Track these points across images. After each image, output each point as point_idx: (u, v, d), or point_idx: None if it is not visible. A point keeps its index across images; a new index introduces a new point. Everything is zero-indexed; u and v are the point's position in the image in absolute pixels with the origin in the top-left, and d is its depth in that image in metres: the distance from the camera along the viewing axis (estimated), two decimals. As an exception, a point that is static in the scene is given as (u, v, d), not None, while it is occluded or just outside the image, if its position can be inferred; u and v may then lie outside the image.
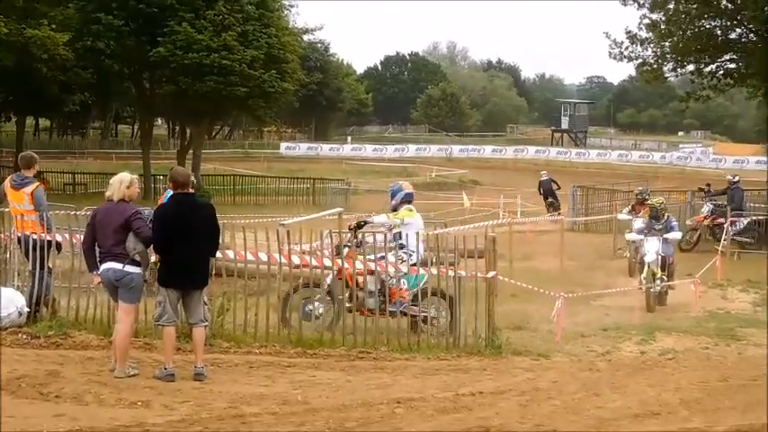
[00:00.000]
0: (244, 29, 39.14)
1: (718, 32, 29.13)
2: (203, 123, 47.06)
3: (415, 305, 11.28)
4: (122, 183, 8.97)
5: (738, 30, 28.92)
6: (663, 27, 28.83)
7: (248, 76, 39.01)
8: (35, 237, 10.81)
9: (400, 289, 11.20)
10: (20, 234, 10.92)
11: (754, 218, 23.34)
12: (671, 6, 28.68)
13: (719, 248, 21.87)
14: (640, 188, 22.45)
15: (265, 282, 11.21)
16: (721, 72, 30.09)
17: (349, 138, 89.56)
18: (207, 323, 9.32)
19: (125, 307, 8.87)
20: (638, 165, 68.85)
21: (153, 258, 9.06)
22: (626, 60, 30.62)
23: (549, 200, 35.07)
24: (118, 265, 8.76)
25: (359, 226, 11.81)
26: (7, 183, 11.24)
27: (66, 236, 11.10)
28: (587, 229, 28.77)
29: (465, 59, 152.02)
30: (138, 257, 8.80)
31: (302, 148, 78.33)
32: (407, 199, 12.23)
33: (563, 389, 8.96)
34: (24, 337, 10.05)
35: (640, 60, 30.45)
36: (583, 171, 61.19)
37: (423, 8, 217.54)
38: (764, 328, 13.03)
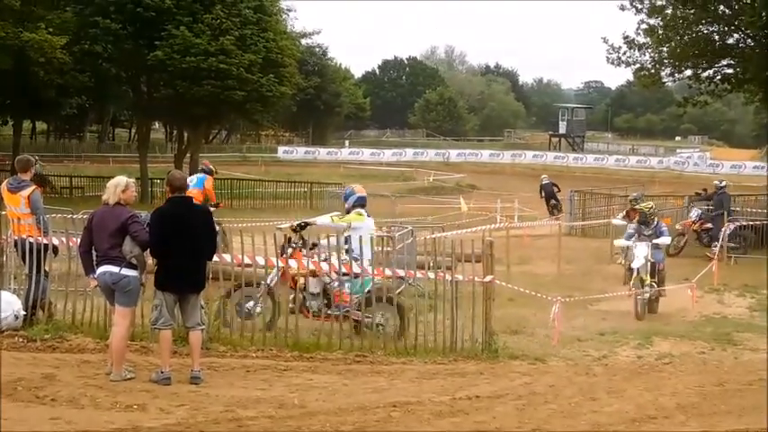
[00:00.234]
0: (242, 33, 39.15)
1: (716, 38, 29.15)
2: (201, 127, 47.04)
3: (363, 310, 11.19)
4: (118, 186, 8.96)
5: (736, 35, 28.95)
6: (660, 32, 28.85)
7: (246, 80, 39.01)
8: (32, 240, 10.80)
9: (342, 293, 11.15)
10: (16, 237, 10.91)
11: (739, 223, 23.32)
12: (668, 12, 28.70)
13: (708, 254, 21.97)
14: (635, 194, 22.00)
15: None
16: (719, 77, 30.10)
17: (347, 142, 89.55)
18: (203, 327, 9.32)
19: (121, 310, 8.86)
20: (636, 169, 68.97)
21: (150, 261, 9.06)
22: (624, 65, 30.64)
23: (552, 202, 35.34)
24: (114, 269, 8.76)
25: (301, 227, 11.79)
26: (4, 186, 11.23)
27: (63, 239, 11.09)
28: (584, 234, 28.80)
29: (463, 64, 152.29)
30: (134, 261, 8.80)
31: (300, 152, 78.33)
32: (360, 203, 12.19)
33: (560, 393, 8.96)
34: (21, 340, 10.04)
35: (638, 65, 30.47)
36: (580, 176, 61.22)
37: (421, 13, 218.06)
38: (761, 332, 13.06)
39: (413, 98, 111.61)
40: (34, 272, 10.80)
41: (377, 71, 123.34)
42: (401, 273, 11.74)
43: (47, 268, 11.02)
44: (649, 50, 29.67)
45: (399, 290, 12.75)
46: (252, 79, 39.22)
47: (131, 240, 8.76)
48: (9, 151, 46.59)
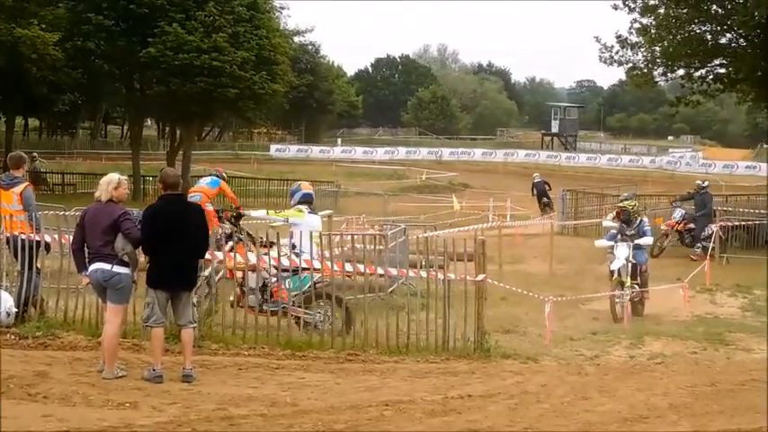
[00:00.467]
0: (234, 30, 39.06)
1: (708, 37, 29.20)
2: (193, 124, 46.94)
3: (304, 306, 11.17)
4: (110, 184, 8.95)
5: (728, 35, 29.00)
6: (653, 32, 28.88)
7: (239, 78, 38.92)
8: (24, 237, 10.78)
9: (280, 289, 11.12)
10: (8, 234, 10.89)
11: (720, 224, 23.35)
12: (661, 11, 28.73)
13: (692, 255, 22.02)
14: (625, 194, 21.77)
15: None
16: (711, 77, 30.16)
17: (339, 140, 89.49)
18: (195, 325, 9.31)
19: (113, 308, 8.85)
20: (628, 169, 69.05)
21: (142, 259, 9.04)
22: (616, 64, 30.66)
23: (544, 200, 35.56)
24: (106, 266, 8.75)
25: (236, 217, 11.78)
26: (-4, 183, 11.21)
27: (55, 236, 11.07)
28: (577, 233, 28.81)
29: (455, 62, 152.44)
30: (126, 258, 8.78)
31: (292, 149, 78.21)
32: (305, 199, 12.20)
33: (552, 392, 8.97)
34: (12, 337, 10.03)
35: (630, 65, 30.50)
36: (572, 175, 61.28)
37: (414, 11, 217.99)
38: (753, 332, 13.11)
39: (405, 96, 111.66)
40: (26, 269, 10.79)
41: (369, 69, 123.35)
42: (393, 271, 11.76)
43: (39, 265, 11.01)
44: (642, 50, 29.71)
45: (392, 288, 12.77)
46: (245, 77, 39.13)
47: (123, 238, 8.75)
48: (1, 148, 46.45)
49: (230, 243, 11.49)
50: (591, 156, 78.31)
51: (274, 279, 11.09)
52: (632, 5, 29.12)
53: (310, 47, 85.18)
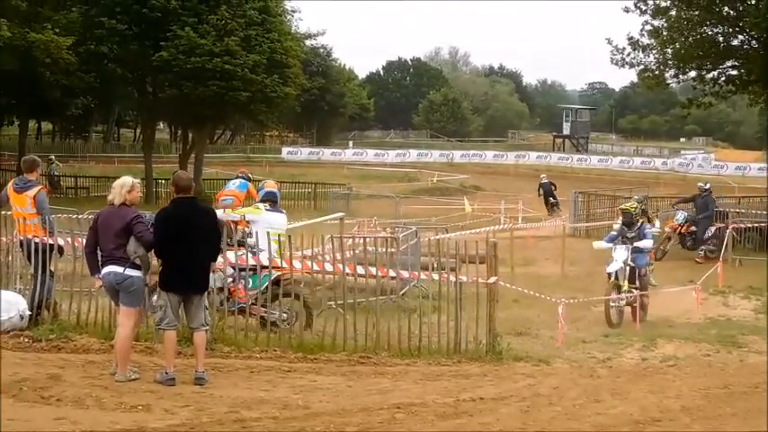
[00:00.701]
0: (246, 34, 39.18)
1: (720, 39, 29.16)
2: (205, 128, 47.08)
3: (265, 306, 11.09)
4: (123, 187, 8.99)
5: (740, 37, 28.96)
6: (665, 33, 28.87)
7: (250, 81, 39.04)
8: (37, 240, 10.83)
9: (237, 288, 11.10)
10: (22, 237, 10.94)
11: (718, 226, 23.25)
12: (673, 13, 28.73)
13: (697, 258, 21.95)
14: (636, 197, 21.50)
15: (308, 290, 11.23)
16: (723, 79, 30.12)
17: (351, 143, 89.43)
18: (208, 327, 9.33)
19: (126, 311, 8.88)
20: (640, 171, 68.84)
21: (155, 262, 9.07)
22: (628, 66, 30.71)
23: (551, 200, 36.22)
24: (119, 269, 8.78)
25: None
26: (10, 186, 11.28)
27: (68, 239, 11.11)
28: (588, 235, 28.65)
29: (467, 65, 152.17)
30: (138, 261, 8.81)
31: (304, 152, 78.26)
32: (268, 197, 12.24)
33: (564, 395, 8.96)
34: (26, 340, 10.07)
35: (642, 67, 30.52)
36: (584, 177, 61.14)
37: (425, 14, 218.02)
38: (766, 334, 13.04)
39: (417, 99, 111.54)
40: (39, 272, 10.83)
41: (381, 72, 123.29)
42: (405, 274, 11.77)
43: (52, 268, 11.05)
44: (654, 52, 29.72)
45: (403, 291, 12.77)
46: (256, 80, 39.25)
47: (136, 241, 8.78)
48: (15, 151, 46.69)
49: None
50: (603, 158, 78.05)
51: (229, 279, 11.08)
52: (644, 8, 29.14)
53: (322, 50, 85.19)
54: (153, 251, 8.96)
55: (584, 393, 9.07)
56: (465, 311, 10.88)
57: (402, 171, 62.48)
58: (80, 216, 12.54)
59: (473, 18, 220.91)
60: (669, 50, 29.20)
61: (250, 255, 11.05)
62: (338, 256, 11.51)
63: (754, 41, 28.41)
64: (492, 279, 10.84)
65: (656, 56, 29.81)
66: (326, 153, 77.60)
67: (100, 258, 8.95)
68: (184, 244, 8.78)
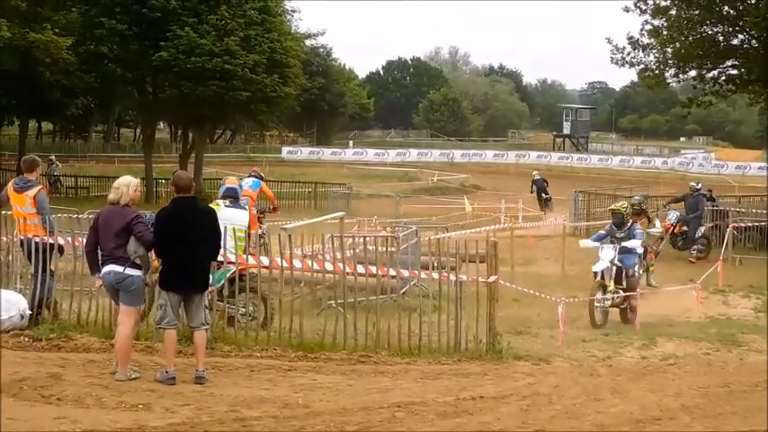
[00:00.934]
0: (246, 33, 39.16)
1: (720, 39, 29.19)
2: (205, 127, 47.09)
3: (222, 300, 11.05)
4: (130, 187, 9.03)
5: (740, 36, 28.99)
6: (665, 33, 28.90)
7: (250, 81, 39.03)
8: (37, 240, 10.84)
9: None
10: (22, 237, 10.95)
11: (707, 225, 23.24)
12: (673, 12, 28.75)
13: (691, 258, 21.93)
14: (637, 198, 21.07)
15: (267, 286, 11.21)
16: (723, 78, 30.15)
17: (351, 142, 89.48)
18: (208, 326, 9.34)
19: (126, 310, 8.89)
20: (640, 170, 68.83)
21: (155, 263, 9.08)
22: (628, 66, 30.75)
23: (544, 197, 36.87)
24: (119, 268, 8.78)
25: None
26: (10, 186, 11.29)
27: (69, 239, 11.12)
28: (589, 235, 28.59)
29: (467, 64, 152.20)
30: (139, 261, 8.82)
31: (304, 152, 78.24)
32: (228, 194, 12.28)
33: (564, 394, 8.97)
34: (26, 339, 10.08)
35: (642, 66, 30.57)
36: (584, 176, 61.22)
37: (425, 14, 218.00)
38: (766, 334, 13.04)
39: (417, 99, 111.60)
40: (40, 271, 10.84)
41: (381, 72, 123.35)
42: (405, 273, 11.78)
43: (52, 268, 11.06)
44: (654, 51, 29.76)
45: (404, 290, 12.77)
46: (256, 80, 39.24)
47: (136, 241, 8.79)
48: (15, 151, 46.70)
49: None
50: (603, 157, 78.04)
51: None
52: (644, 7, 29.18)
53: (322, 50, 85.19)
54: (153, 251, 8.97)
55: (584, 392, 9.07)
56: (465, 310, 10.88)
57: (402, 170, 62.47)
58: (80, 216, 12.53)
59: (473, 18, 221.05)
60: (669, 50, 29.22)
61: None
62: (338, 255, 11.50)
63: (754, 41, 28.44)
64: (492, 278, 10.85)
65: (657, 55, 29.86)
66: (327, 153, 77.59)
67: (100, 258, 8.96)
68: (184, 243, 8.79)
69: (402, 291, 12.82)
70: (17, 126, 50.04)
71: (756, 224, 23.84)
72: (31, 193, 10.98)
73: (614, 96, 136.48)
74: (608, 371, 10.41)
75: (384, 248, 13.09)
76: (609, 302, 14.23)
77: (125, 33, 38.27)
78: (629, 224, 15.19)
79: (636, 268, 15.14)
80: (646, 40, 29.69)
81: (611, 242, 14.80)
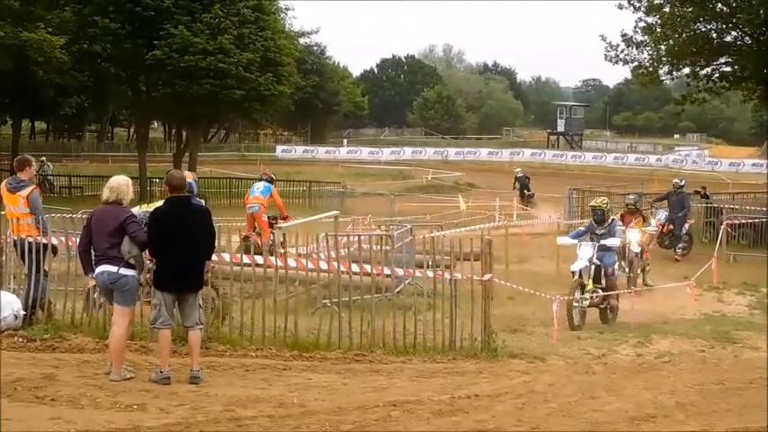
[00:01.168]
0: (240, 32, 39.11)
1: (714, 36, 29.22)
2: (199, 126, 47.00)
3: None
4: (129, 185, 9.06)
5: (734, 33, 29.03)
6: (658, 30, 28.90)
7: (244, 79, 38.98)
8: (31, 240, 10.80)
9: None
10: (15, 237, 10.91)
11: (690, 222, 23.20)
12: (666, 10, 28.74)
13: (677, 257, 21.90)
14: (631, 196, 20.67)
15: (261, 285, 11.20)
16: (717, 75, 30.17)
17: (345, 140, 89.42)
18: (202, 326, 9.31)
19: (120, 310, 8.86)
20: (634, 167, 68.89)
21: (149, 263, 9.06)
22: (622, 63, 30.73)
23: (527, 193, 37.51)
24: (113, 268, 8.76)
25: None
26: (3, 186, 11.24)
27: (62, 239, 11.09)
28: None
29: (461, 62, 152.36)
30: (133, 261, 8.80)
31: (298, 150, 78.19)
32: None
33: (559, 392, 8.97)
34: (20, 340, 10.04)
35: (636, 63, 30.55)
36: (578, 174, 61.30)
37: (419, 12, 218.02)
38: (760, 330, 13.07)
39: (411, 97, 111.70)
40: (33, 271, 10.80)
41: (375, 70, 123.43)
42: (400, 272, 11.77)
43: (46, 268, 11.02)
44: (647, 48, 29.76)
45: (398, 288, 12.77)
46: (250, 78, 39.20)
47: (130, 241, 8.77)
48: (8, 151, 46.60)
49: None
50: (597, 154, 78.04)
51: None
52: (637, 4, 29.18)
53: (316, 48, 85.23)
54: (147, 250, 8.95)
55: (579, 390, 9.08)
56: (460, 309, 10.89)
57: (396, 169, 62.48)
58: (74, 215, 12.49)
59: (467, 16, 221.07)
60: (663, 47, 29.25)
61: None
62: (333, 254, 11.49)
63: (747, 38, 28.47)
64: (487, 276, 10.85)
65: (650, 52, 29.86)
66: (321, 151, 77.56)
67: (93, 258, 8.93)
68: (178, 243, 8.76)
69: (397, 289, 12.82)
70: (10, 125, 49.92)
71: (750, 221, 23.86)
72: (24, 193, 10.94)
73: (608, 94, 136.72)
74: (603, 369, 10.42)
75: (379, 247, 13.09)
76: (587, 302, 13.79)
77: (118, 32, 38.20)
78: (609, 221, 14.75)
79: (615, 267, 14.65)
80: (639, 37, 29.70)
81: (591, 239, 14.37)
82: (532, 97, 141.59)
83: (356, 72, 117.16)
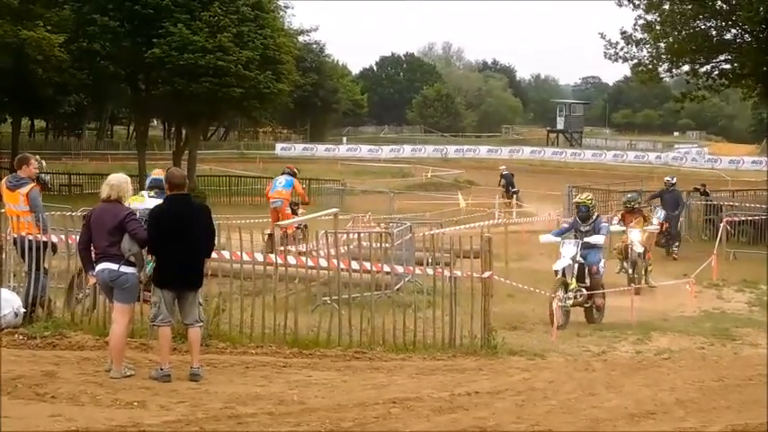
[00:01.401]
0: (239, 30, 39.14)
1: (713, 33, 29.23)
2: (199, 124, 47.05)
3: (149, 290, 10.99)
4: (128, 183, 9.07)
5: (733, 30, 29.03)
6: (658, 28, 28.91)
7: (243, 77, 39.01)
8: (31, 238, 10.81)
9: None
10: (15, 235, 10.92)
11: (727, 218, 23.17)
12: (666, 7, 28.75)
13: (673, 255, 21.81)
14: (629, 195, 20.15)
15: (261, 282, 11.20)
16: (716, 72, 30.18)
17: (344, 138, 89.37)
18: (202, 323, 9.32)
19: (120, 307, 8.87)
20: (634, 165, 68.83)
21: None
22: (621, 61, 30.75)
23: (512, 190, 37.44)
24: (113, 266, 8.76)
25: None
26: (3, 184, 11.27)
27: (62, 237, 11.10)
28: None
29: (460, 60, 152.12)
30: (133, 259, 8.80)
31: (298, 148, 78.19)
32: (153, 184, 12.23)
33: (559, 389, 8.98)
34: (20, 337, 10.05)
35: (636, 61, 30.56)
36: (578, 171, 61.30)
37: (418, 10, 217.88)
38: (760, 327, 13.08)
39: (410, 94, 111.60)
40: (33, 269, 10.81)
41: (374, 68, 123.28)
42: (400, 269, 11.77)
43: (46, 266, 11.03)
44: (647, 46, 29.77)
45: (398, 286, 12.77)
46: (249, 76, 39.22)
47: (130, 239, 8.77)
48: (8, 149, 46.57)
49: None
50: (596, 152, 78.09)
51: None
52: (637, 2, 29.20)
53: (315, 46, 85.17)
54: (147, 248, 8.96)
55: (579, 387, 9.08)
56: (460, 306, 10.89)
57: (396, 166, 62.48)
58: (73, 213, 12.49)
59: (467, 14, 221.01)
60: (662, 44, 29.26)
61: None
62: (333, 251, 11.49)
63: (746, 35, 28.47)
64: (486, 274, 10.85)
65: (650, 50, 29.87)
66: (320, 149, 77.57)
67: (93, 255, 8.94)
68: (178, 241, 8.76)
69: (396, 287, 12.82)
70: (10, 124, 49.89)
71: (750, 218, 23.86)
72: (24, 190, 10.95)
73: (607, 91, 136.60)
74: (603, 366, 10.42)
75: (378, 244, 13.09)
76: (571, 301, 13.41)
77: (117, 30, 38.24)
78: (594, 218, 14.27)
79: (600, 265, 14.07)
80: (639, 34, 29.72)
81: (576, 237, 13.99)
82: (532, 95, 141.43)
83: (355, 70, 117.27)
